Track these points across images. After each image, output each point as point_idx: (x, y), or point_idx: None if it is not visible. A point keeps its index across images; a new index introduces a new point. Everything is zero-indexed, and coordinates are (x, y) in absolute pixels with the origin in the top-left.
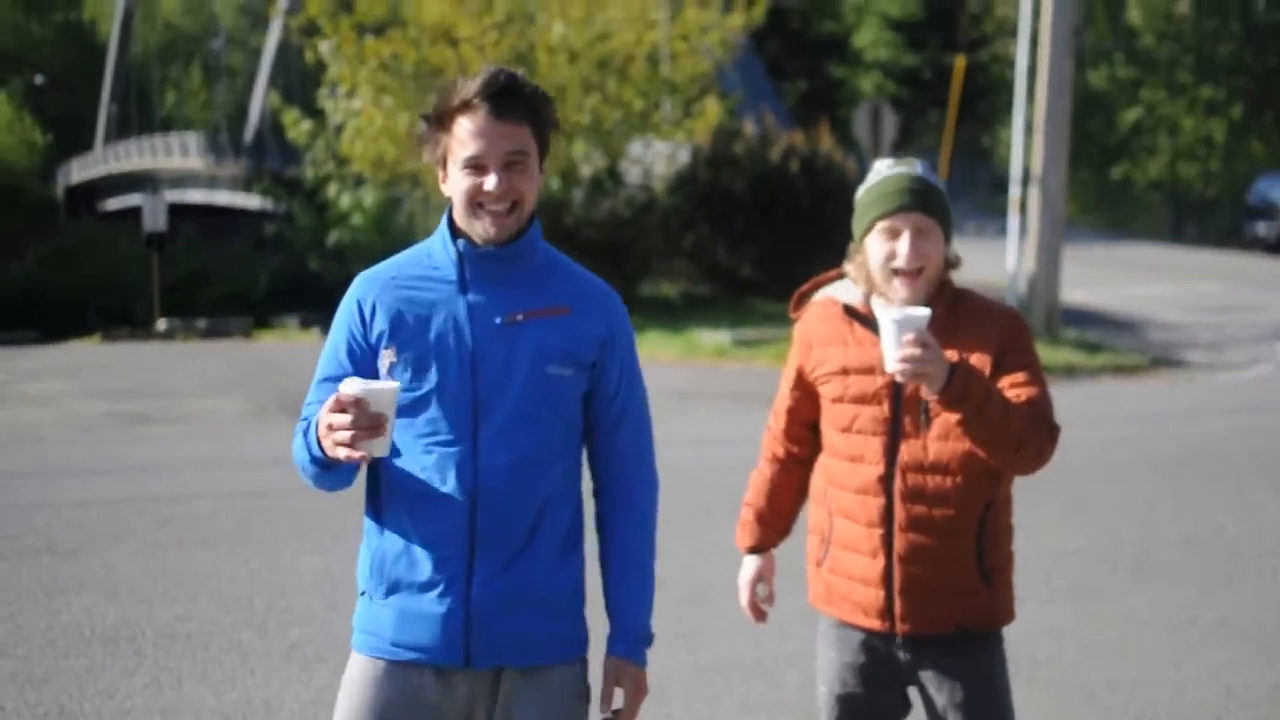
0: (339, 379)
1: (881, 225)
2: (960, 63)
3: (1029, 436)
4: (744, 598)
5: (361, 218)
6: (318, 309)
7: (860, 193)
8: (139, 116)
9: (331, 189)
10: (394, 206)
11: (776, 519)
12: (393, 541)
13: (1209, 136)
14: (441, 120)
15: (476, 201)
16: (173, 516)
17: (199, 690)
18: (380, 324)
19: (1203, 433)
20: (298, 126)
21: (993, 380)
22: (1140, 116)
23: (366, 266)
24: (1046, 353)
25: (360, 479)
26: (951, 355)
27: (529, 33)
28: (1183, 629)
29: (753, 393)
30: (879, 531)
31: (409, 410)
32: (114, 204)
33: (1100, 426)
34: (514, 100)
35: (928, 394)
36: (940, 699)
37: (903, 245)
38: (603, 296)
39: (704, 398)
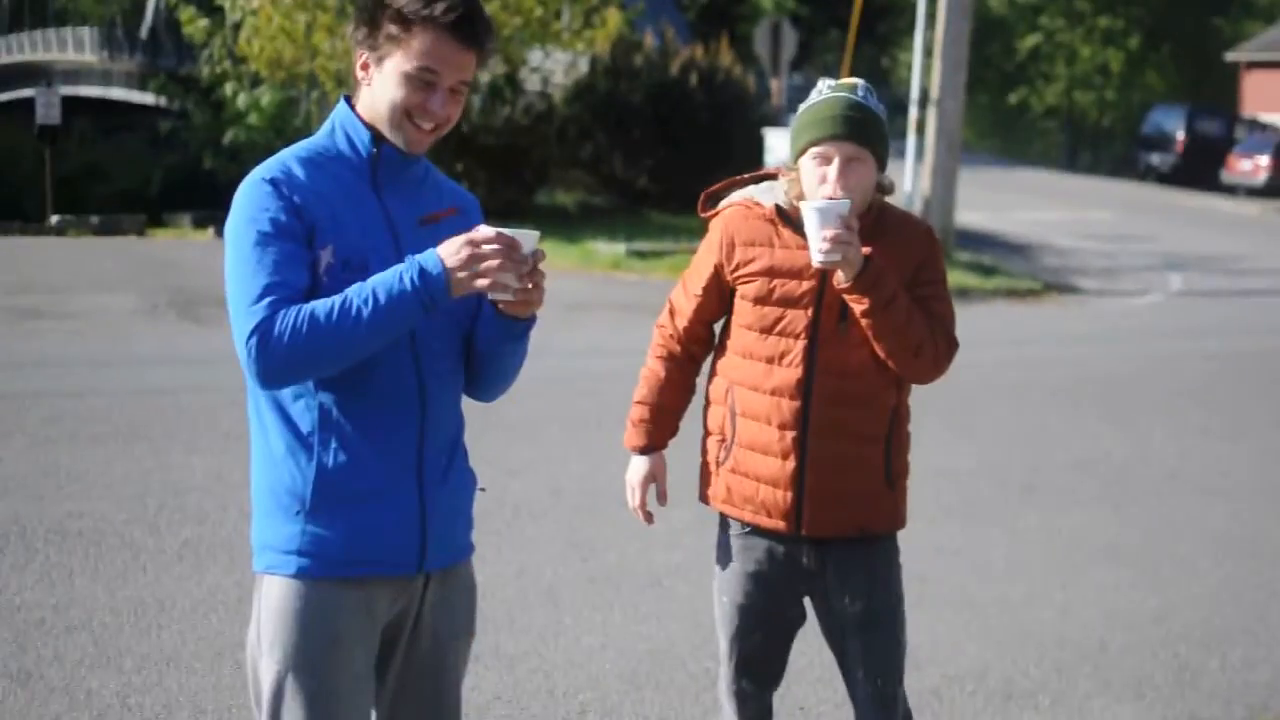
0: (291, 255)
1: (814, 150)
2: None
3: (927, 343)
4: (636, 498)
5: (258, 117)
6: (212, 208)
7: (800, 110)
8: (31, 9)
9: (228, 88)
10: (290, 107)
11: (669, 417)
12: (336, 455)
13: (1105, 65)
14: (396, 15)
15: (407, 111)
16: (62, 413)
17: (91, 587)
18: (307, 219)
19: (1093, 359)
20: (194, 23)
21: (907, 289)
22: (1039, 43)
23: None
24: None
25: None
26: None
27: None
28: (1070, 551)
29: (647, 304)
30: (792, 434)
31: None
32: (5, 97)
33: (991, 349)
34: (475, 29)
35: (841, 281)
36: (840, 602)
37: (832, 172)
38: (475, 201)
39: (598, 308)
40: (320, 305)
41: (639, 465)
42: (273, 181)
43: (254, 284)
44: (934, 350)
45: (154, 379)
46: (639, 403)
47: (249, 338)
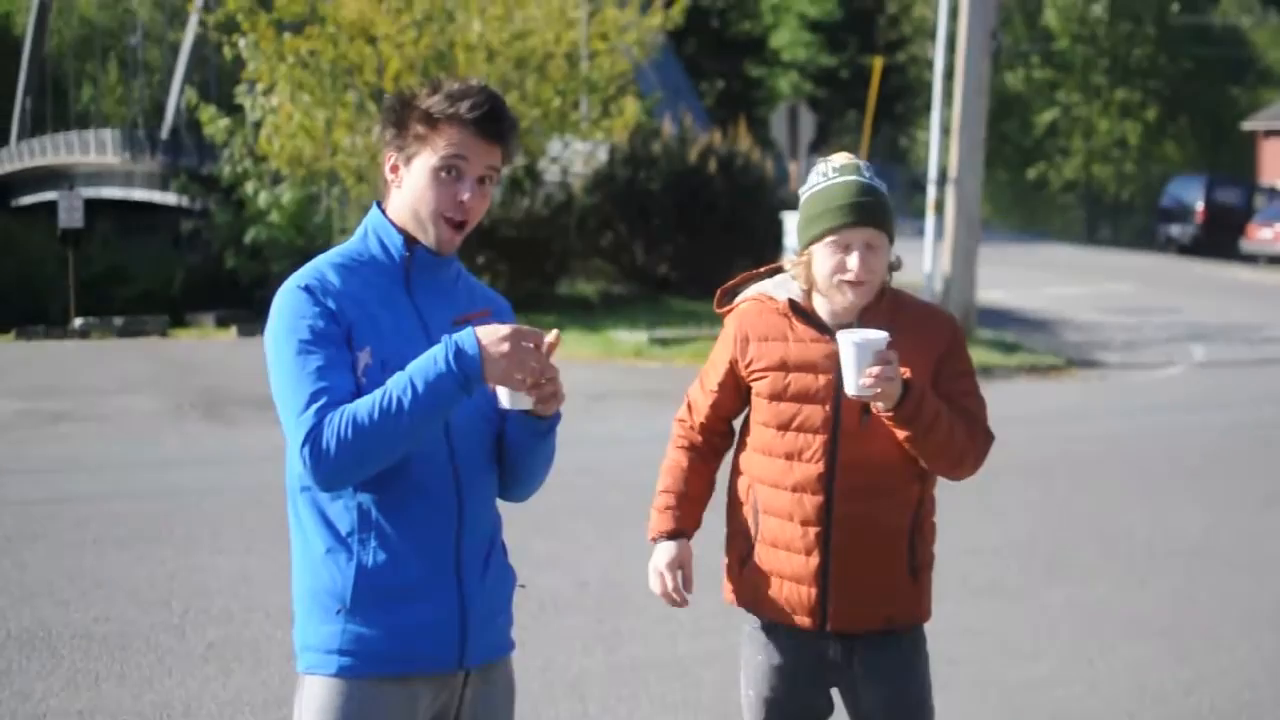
0: (333, 360)
1: (832, 239)
2: (877, 63)
3: (969, 449)
4: (664, 583)
5: (279, 215)
6: (234, 307)
7: (806, 195)
8: (54, 112)
9: (249, 186)
10: (311, 204)
11: (694, 505)
12: (376, 554)
13: (1123, 139)
14: (425, 115)
15: (438, 208)
16: (88, 517)
17: (116, 691)
18: (344, 323)
19: (1117, 433)
20: (214, 123)
21: (933, 385)
22: (1056, 118)
23: (284, 264)
24: None
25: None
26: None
27: (448, 31)
28: (1097, 627)
29: (670, 392)
30: (815, 530)
31: None
32: (28, 200)
33: (1016, 426)
34: (501, 125)
35: (880, 409)
36: (868, 696)
37: (854, 261)
38: (507, 305)
39: (621, 397)
40: (362, 404)
41: (665, 550)
42: (308, 289)
43: (300, 393)
44: (975, 453)
45: (179, 480)
46: (663, 491)
47: (302, 448)
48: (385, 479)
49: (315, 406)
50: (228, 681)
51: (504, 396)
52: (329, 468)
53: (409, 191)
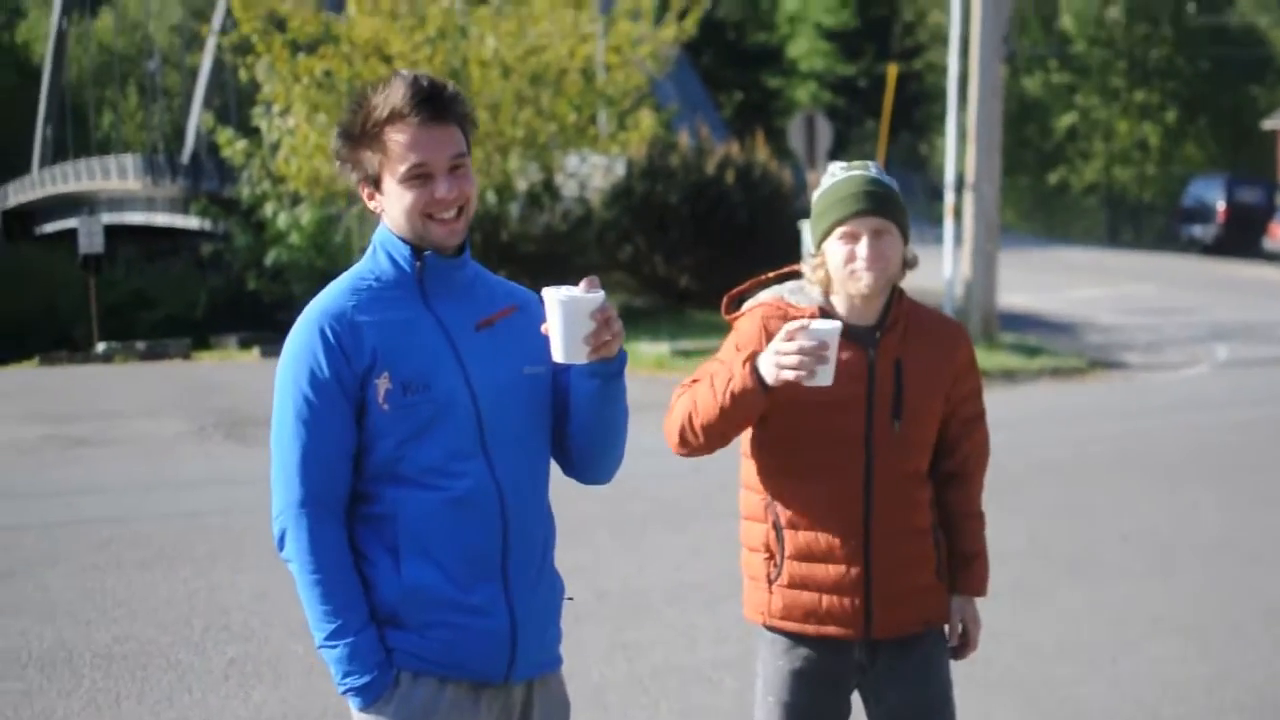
0: (339, 421)
1: (840, 230)
2: (893, 71)
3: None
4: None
5: (299, 236)
6: (257, 328)
7: (816, 198)
8: (75, 139)
9: (268, 208)
10: (331, 224)
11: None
12: (421, 570)
13: (1143, 140)
14: (365, 137)
15: (426, 212)
16: (110, 538)
17: (137, 710)
18: (364, 353)
19: (1139, 433)
20: (233, 146)
21: (943, 401)
22: (1075, 122)
23: (305, 285)
24: (985, 357)
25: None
26: (892, 352)
27: (462, 47)
28: (1119, 625)
29: None
30: (855, 539)
31: (415, 435)
32: (51, 227)
33: (1038, 429)
34: (442, 104)
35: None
36: (890, 697)
37: (861, 249)
38: (532, 296)
39: (644, 409)
40: (307, 561)
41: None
42: (322, 332)
43: (285, 482)
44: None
45: (200, 501)
46: (715, 372)
47: (274, 523)
48: (425, 487)
49: (300, 509)
50: (248, 699)
51: (558, 350)
52: (282, 555)
53: (392, 209)
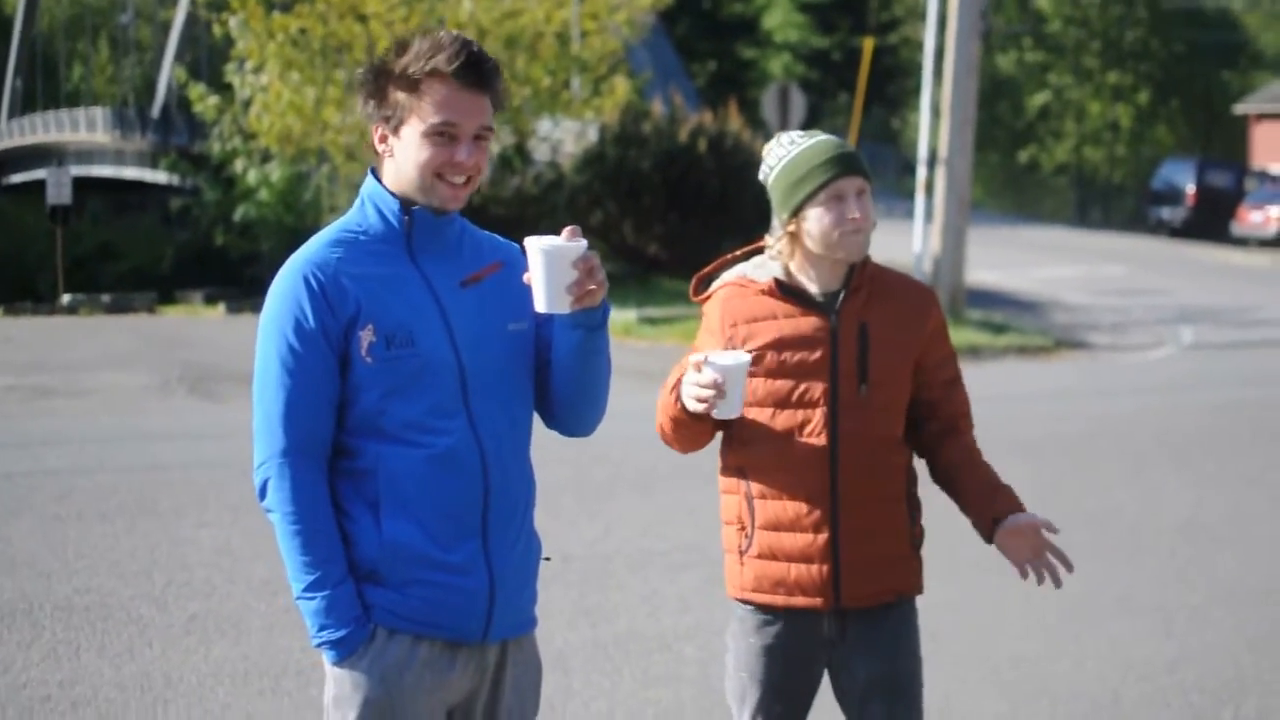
0: (323, 370)
1: (825, 193)
2: (868, 45)
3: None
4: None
5: (268, 193)
6: (223, 284)
7: (780, 167)
8: (45, 90)
9: (238, 164)
10: (300, 182)
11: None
12: (402, 527)
13: (1115, 121)
14: (402, 79)
15: (439, 172)
16: (72, 490)
17: (97, 663)
18: (349, 304)
19: (1105, 413)
20: (204, 101)
21: (913, 365)
22: (1048, 101)
23: (273, 241)
24: (951, 333)
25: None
26: (855, 316)
27: (437, 9)
28: (1083, 604)
29: (658, 370)
30: (821, 506)
31: (398, 390)
32: (18, 178)
33: (1003, 406)
34: (484, 73)
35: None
36: (860, 670)
37: (852, 209)
38: (517, 249)
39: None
40: (289, 512)
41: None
42: (306, 280)
43: (268, 430)
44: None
45: (164, 455)
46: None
47: (256, 473)
48: (407, 444)
49: (283, 457)
50: (209, 653)
51: (540, 300)
52: (262, 503)
53: (403, 159)
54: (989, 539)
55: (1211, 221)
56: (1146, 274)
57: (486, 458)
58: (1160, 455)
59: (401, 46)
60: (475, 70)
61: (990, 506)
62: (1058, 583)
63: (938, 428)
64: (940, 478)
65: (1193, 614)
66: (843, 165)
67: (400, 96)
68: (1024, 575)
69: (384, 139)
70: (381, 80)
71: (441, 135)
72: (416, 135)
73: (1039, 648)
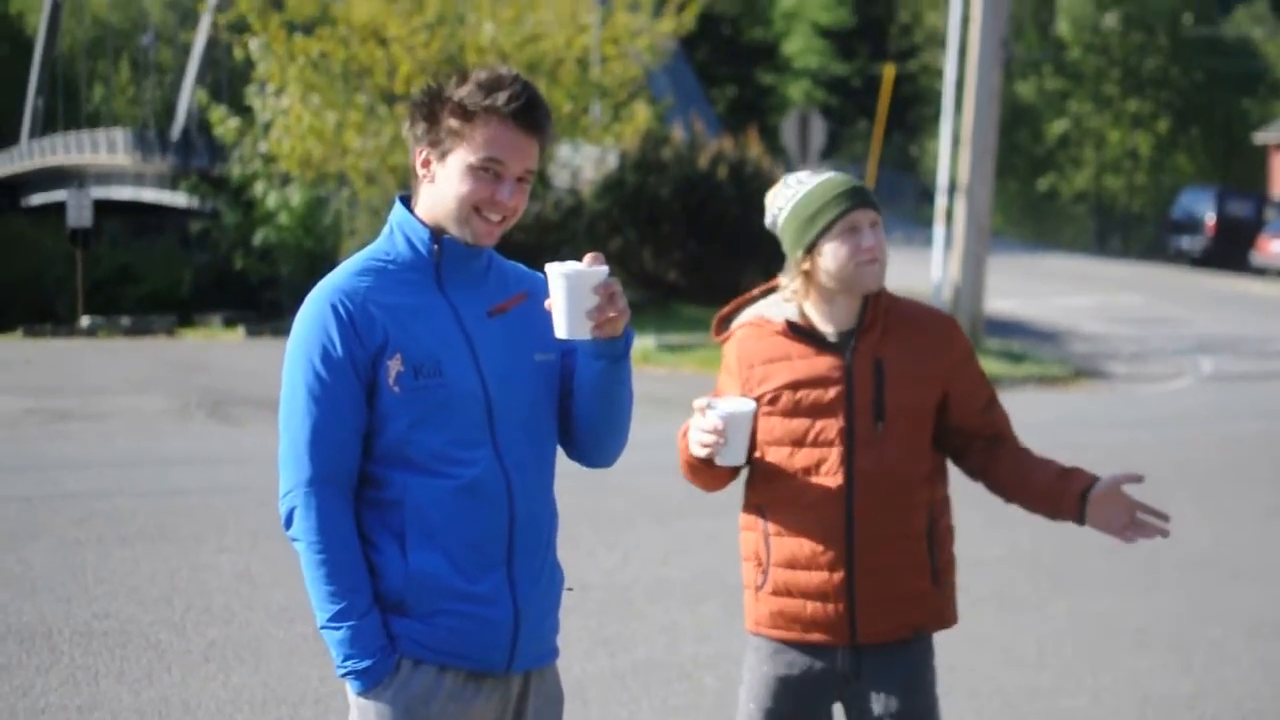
0: (350, 399)
1: (842, 224)
2: (889, 72)
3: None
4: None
5: (288, 217)
6: (242, 307)
7: (791, 206)
8: (65, 111)
9: (258, 187)
10: (320, 206)
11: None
12: (428, 558)
13: (1135, 150)
14: (459, 107)
15: (478, 206)
16: (91, 514)
17: (115, 688)
18: (377, 333)
19: (1123, 444)
20: (225, 124)
21: (938, 397)
22: (1067, 129)
23: (292, 265)
24: None
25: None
26: (870, 353)
27: (459, 34)
28: (1101, 637)
29: (677, 397)
30: (837, 544)
31: (425, 420)
32: (39, 199)
33: (1023, 436)
34: (537, 116)
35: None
36: (876, 706)
37: (867, 239)
38: (543, 282)
39: None
40: (314, 541)
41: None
42: (334, 307)
43: (302, 451)
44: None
45: (183, 479)
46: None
47: (282, 502)
48: (433, 475)
49: (308, 486)
50: (228, 680)
51: (561, 325)
52: (287, 531)
53: (444, 187)
54: (1080, 520)
55: (1231, 251)
56: (1166, 303)
57: (512, 488)
58: (1178, 487)
59: (462, 76)
60: (531, 113)
61: (1067, 490)
62: (1164, 533)
63: (983, 444)
64: (1002, 487)
65: (1212, 648)
66: (855, 198)
67: (453, 124)
68: (1129, 541)
69: (427, 164)
70: (436, 105)
71: (487, 171)
72: (462, 166)
73: (1055, 681)
